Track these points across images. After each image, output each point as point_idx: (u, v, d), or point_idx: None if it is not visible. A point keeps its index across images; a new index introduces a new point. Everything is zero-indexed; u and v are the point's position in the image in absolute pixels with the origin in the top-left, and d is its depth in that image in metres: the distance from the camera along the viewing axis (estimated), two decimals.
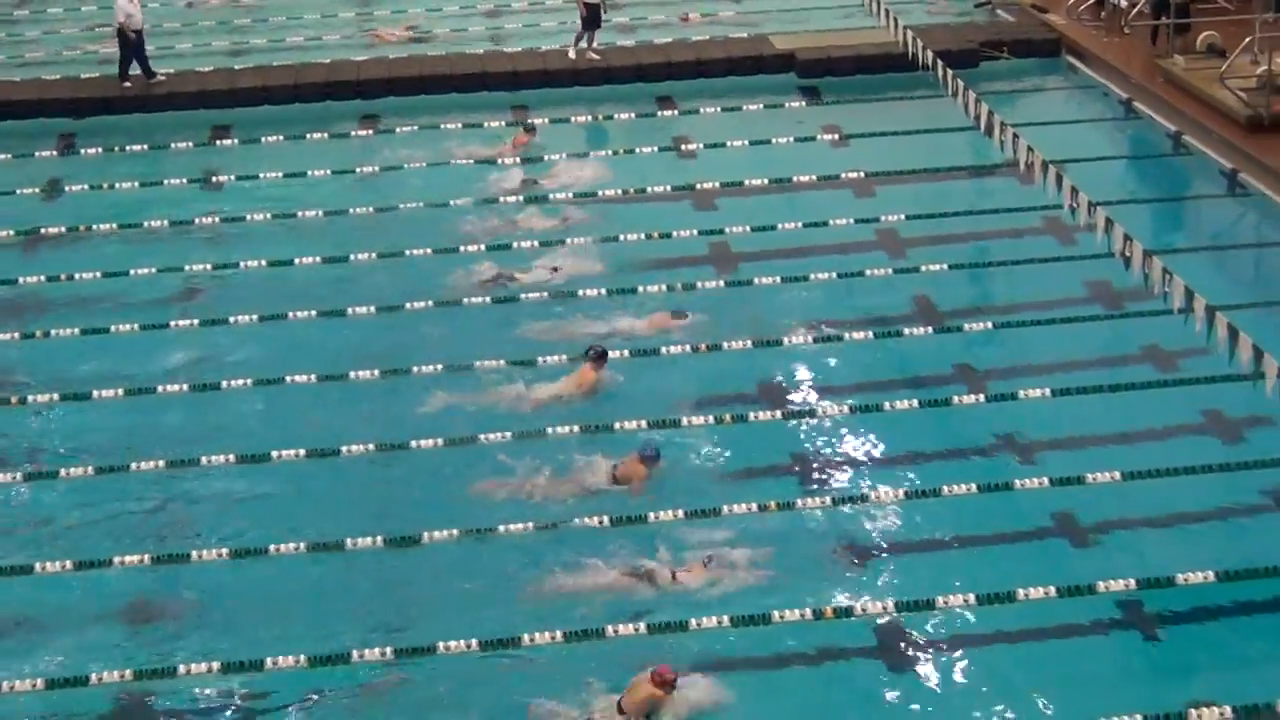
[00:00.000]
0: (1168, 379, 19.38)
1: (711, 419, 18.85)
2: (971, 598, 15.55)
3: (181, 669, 15.10)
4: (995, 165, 25.44)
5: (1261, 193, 24.54)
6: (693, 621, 15.46)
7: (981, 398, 19.23)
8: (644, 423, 18.72)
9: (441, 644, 15.30)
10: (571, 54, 31.19)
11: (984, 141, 24.21)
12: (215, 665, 15.14)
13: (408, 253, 23.50)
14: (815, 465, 18.04)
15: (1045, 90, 30.77)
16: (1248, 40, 27.69)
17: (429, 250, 23.56)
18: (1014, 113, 27.03)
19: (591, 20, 31.13)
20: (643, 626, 15.47)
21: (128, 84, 30.03)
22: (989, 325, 20.83)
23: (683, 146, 27.73)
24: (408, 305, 21.81)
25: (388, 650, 15.28)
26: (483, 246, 23.62)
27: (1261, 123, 25.89)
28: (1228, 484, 17.31)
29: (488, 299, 22.05)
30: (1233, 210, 24.88)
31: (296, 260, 23.32)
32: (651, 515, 17.06)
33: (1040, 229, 23.55)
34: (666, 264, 23.10)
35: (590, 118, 29.30)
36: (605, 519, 17.04)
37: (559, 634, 15.36)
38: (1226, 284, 21.58)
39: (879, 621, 15.44)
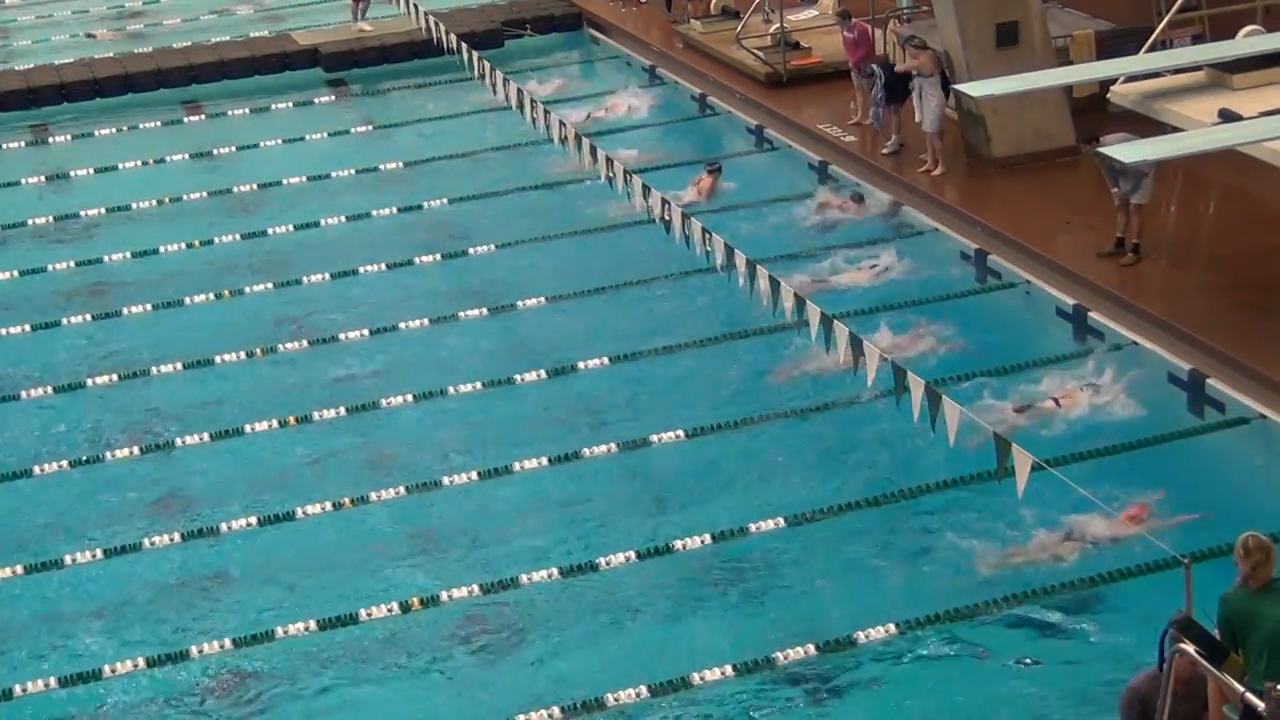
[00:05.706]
0: (721, 335, 19.72)
1: None
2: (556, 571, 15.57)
3: None
4: (531, 142, 25.65)
5: (786, 145, 25.38)
6: None
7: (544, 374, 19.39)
8: None
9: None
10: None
11: (517, 119, 24.41)
12: None
13: None
14: None
15: (571, 64, 31.19)
16: (759, 1, 28.59)
17: None
18: (543, 88, 27.41)
19: None
20: None
21: None
22: (542, 301, 20.96)
23: (215, 151, 27.11)
24: None
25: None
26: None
27: (780, 79, 26.77)
28: (785, 431, 17.70)
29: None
30: (762, 165, 25.62)
31: None
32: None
33: (585, 201, 23.83)
34: (212, 270, 22.53)
35: (114, 130, 28.38)
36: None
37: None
38: (764, 235, 22.22)
39: None
